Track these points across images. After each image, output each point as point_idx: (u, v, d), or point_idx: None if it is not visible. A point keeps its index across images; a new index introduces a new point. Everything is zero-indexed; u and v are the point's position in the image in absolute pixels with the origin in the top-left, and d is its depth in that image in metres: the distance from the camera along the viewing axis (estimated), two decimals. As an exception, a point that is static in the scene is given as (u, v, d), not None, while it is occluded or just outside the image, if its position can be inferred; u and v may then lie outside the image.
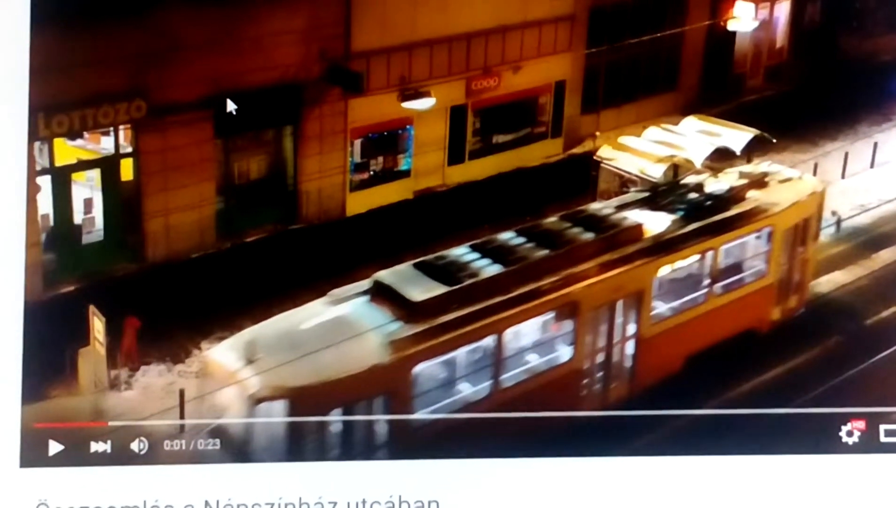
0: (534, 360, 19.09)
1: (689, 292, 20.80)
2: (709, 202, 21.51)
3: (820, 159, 28.54)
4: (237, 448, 16.25)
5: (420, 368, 17.56)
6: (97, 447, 16.10)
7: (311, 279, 21.75)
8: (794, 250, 22.47)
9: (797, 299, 22.73)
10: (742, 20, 29.71)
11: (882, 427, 17.92)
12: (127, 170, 21.61)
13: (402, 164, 25.16)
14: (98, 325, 17.94)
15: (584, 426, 18.50)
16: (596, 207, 21.51)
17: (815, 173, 27.56)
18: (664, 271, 20.34)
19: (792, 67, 32.32)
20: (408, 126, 24.91)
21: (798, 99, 30.27)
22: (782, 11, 32.18)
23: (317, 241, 23.15)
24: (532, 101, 27.03)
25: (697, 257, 20.74)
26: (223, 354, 17.27)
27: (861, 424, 17.79)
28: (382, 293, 18.36)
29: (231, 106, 21.93)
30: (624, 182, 24.56)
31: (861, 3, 32.83)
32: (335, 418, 16.57)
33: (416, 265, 19.07)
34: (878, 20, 33.02)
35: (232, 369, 16.81)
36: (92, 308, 17.97)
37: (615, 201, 22.06)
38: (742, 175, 22.78)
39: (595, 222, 20.36)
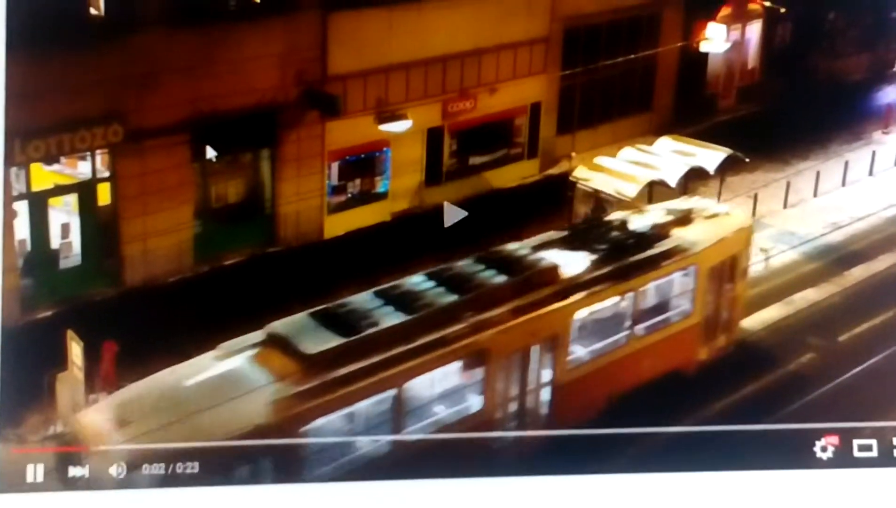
0: (441, 412, 18.22)
1: (609, 334, 20.20)
2: (630, 241, 21.01)
3: (792, 178, 28.84)
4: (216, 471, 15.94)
5: (312, 425, 16.50)
6: (75, 472, 16.03)
7: (289, 303, 21.85)
8: (720, 288, 21.96)
9: (726, 337, 22.27)
10: (714, 41, 29.95)
11: (855, 442, 18.08)
12: (104, 194, 21.51)
13: (380, 186, 25.20)
14: (76, 349, 17.83)
15: (561, 443, 18.56)
16: (512, 247, 20.83)
17: (787, 192, 27.96)
18: (582, 313, 19.74)
19: (764, 87, 32.55)
20: (385, 148, 24.95)
21: (770, 119, 30.41)
22: (754, 32, 32.47)
23: (295, 264, 23.13)
24: (508, 122, 27.16)
25: (617, 298, 20.21)
26: (95, 416, 16.41)
27: (835, 439, 17.93)
28: (275, 345, 17.58)
29: (209, 134, 21.93)
30: (599, 203, 24.66)
31: (831, 23, 33.19)
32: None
33: (313, 315, 18.24)
34: (848, 40, 33.39)
35: (103, 433, 15.94)
36: (69, 333, 17.89)
37: (534, 239, 21.46)
38: (668, 212, 22.30)
39: (509, 263, 19.73)
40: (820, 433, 17.63)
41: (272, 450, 15.89)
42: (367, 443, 17.04)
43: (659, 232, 21.29)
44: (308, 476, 16.39)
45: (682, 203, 23.22)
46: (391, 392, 17.40)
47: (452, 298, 18.74)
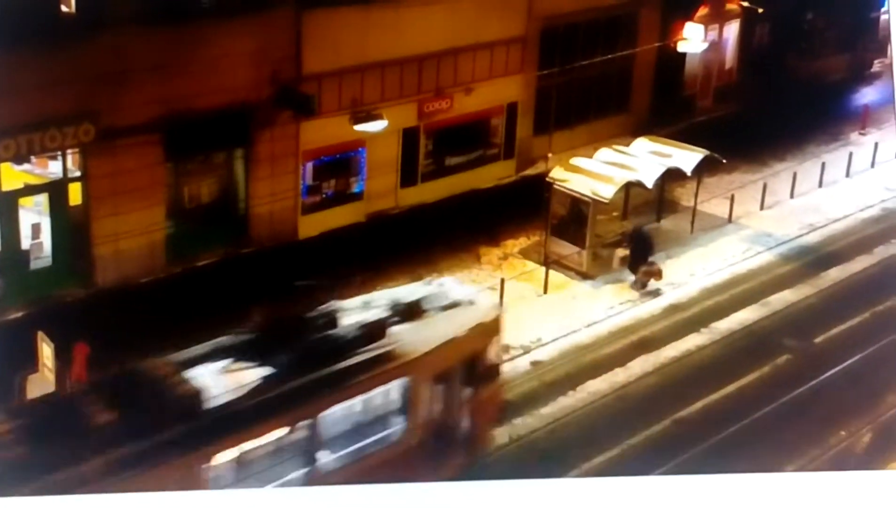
0: None
1: (281, 474, 15.93)
2: (327, 347, 16.51)
3: (769, 179, 29.19)
4: None
5: None
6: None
7: (262, 303, 21.88)
8: (455, 397, 17.61)
9: (468, 453, 18.22)
10: (692, 42, 30.29)
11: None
12: (75, 194, 21.56)
13: (355, 186, 25.35)
14: (46, 351, 17.71)
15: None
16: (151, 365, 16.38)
17: (763, 194, 28.19)
18: (230, 454, 15.39)
19: (741, 87, 32.92)
20: (360, 148, 25.10)
21: (747, 119, 30.87)
22: (731, 33, 32.83)
23: (268, 264, 23.13)
24: (484, 122, 27.41)
25: (287, 429, 15.81)
26: None
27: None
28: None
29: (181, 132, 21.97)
30: (576, 204, 24.76)
31: (809, 24, 33.56)
32: None
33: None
34: (826, 41, 33.84)
35: None
36: (40, 334, 17.74)
37: (186, 352, 16.61)
38: (392, 304, 17.80)
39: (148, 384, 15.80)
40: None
41: None
42: None
43: (370, 332, 16.74)
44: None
45: (419, 289, 18.97)
46: None
47: None
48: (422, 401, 16.99)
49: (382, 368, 16.45)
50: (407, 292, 18.65)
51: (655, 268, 24.22)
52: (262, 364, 15.92)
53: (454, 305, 18.17)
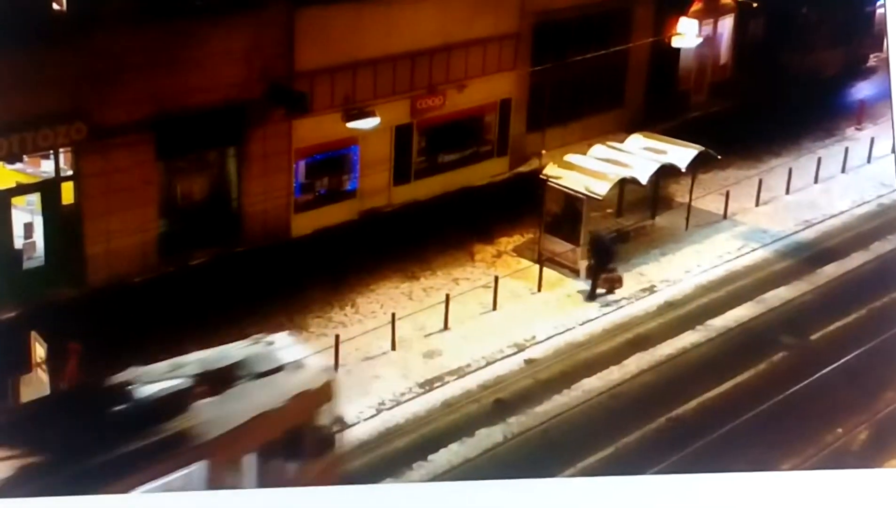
0: None
1: None
2: (111, 426, 14.48)
3: (764, 175, 29.30)
4: None
5: None
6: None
7: (256, 302, 22.07)
8: (272, 477, 15.71)
9: None
10: (686, 37, 30.43)
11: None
12: (68, 193, 21.68)
13: (348, 184, 25.49)
14: (40, 351, 17.93)
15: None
16: None
17: (759, 190, 28.36)
18: None
19: (736, 83, 33.05)
20: (353, 146, 25.23)
21: (742, 115, 31.04)
22: (726, 28, 32.96)
23: (262, 263, 23.29)
24: (477, 119, 27.56)
25: None
26: None
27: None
28: None
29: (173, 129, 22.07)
30: (570, 201, 24.81)
31: (804, 18, 33.65)
32: None
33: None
34: (821, 36, 33.91)
35: None
36: (33, 334, 17.95)
37: None
38: (202, 371, 15.83)
39: None
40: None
41: None
42: None
43: (169, 406, 14.66)
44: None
45: (240, 350, 16.76)
46: None
47: None
48: (224, 486, 14.89)
49: (177, 450, 14.29)
50: (224, 353, 16.47)
51: (616, 275, 24.03)
52: (32, 449, 13.75)
53: (277, 370, 16.14)
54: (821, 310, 23.65)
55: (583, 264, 24.33)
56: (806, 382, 20.87)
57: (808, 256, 26.08)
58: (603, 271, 23.95)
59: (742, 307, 23.63)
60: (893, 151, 19.98)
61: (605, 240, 24.41)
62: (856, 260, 25.80)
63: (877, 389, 20.45)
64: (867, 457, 19.12)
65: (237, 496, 15.37)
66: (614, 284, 23.92)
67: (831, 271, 25.32)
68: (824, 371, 21.22)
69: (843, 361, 21.50)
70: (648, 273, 24.82)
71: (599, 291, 23.81)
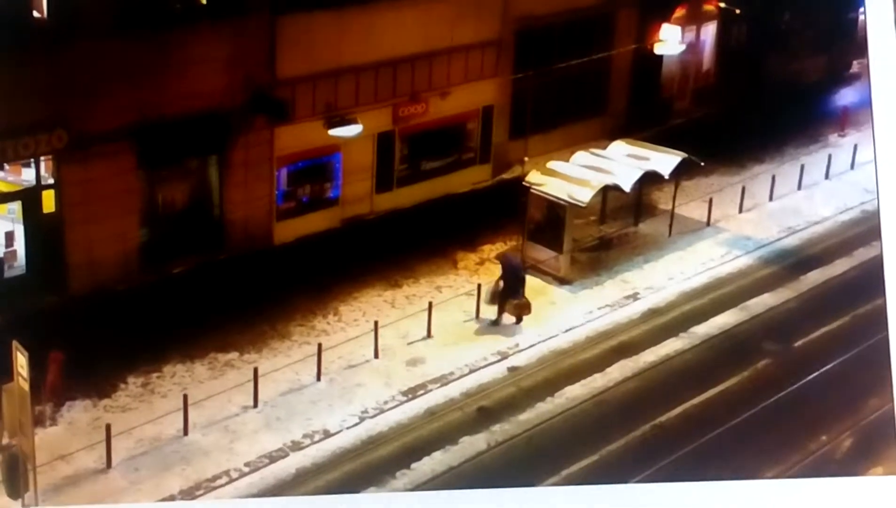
0: None
1: None
2: None
3: (748, 182, 29.60)
4: None
5: None
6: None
7: (238, 311, 22.34)
8: None
9: None
10: (669, 43, 30.72)
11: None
12: (49, 202, 21.90)
13: (330, 192, 25.75)
14: (21, 360, 17.77)
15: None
16: None
17: (742, 196, 28.58)
18: None
19: (719, 89, 33.29)
20: (335, 154, 25.51)
21: (726, 122, 31.27)
22: (709, 35, 33.18)
23: (244, 271, 23.55)
24: (460, 126, 27.84)
25: None
26: None
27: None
28: None
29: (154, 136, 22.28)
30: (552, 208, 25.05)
31: (787, 25, 33.85)
32: None
33: None
34: (804, 42, 34.13)
35: None
36: (15, 343, 17.81)
37: None
38: None
39: None
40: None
41: None
42: None
43: None
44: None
45: None
46: None
47: None
48: None
49: None
50: None
51: (525, 302, 23.53)
52: None
53: None
54: (805, 317, 23.91)
55: (515, 303, 23.38)
56: (790, 389, 21.18)
57: (792, 262, 26.32)
58: (512, 296, 23.40)
59: (726, 314, 23.89)
60: (875, 159, 20.13)
61: (514, 264, 24.10)
62: (840, 267, 26.02)
63: (861, 396, 20.55)
64: (851, 464, 19.36)
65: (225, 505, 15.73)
66: (523, 310, 23.35)
67: (815, 277, 25.56)
68: (808, 378, 21.52)
69: (827, 368, 21.75)
70: (632, 280, 25.11)
71: (496, 319, 23.36)
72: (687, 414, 20.51)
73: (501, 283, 23.56)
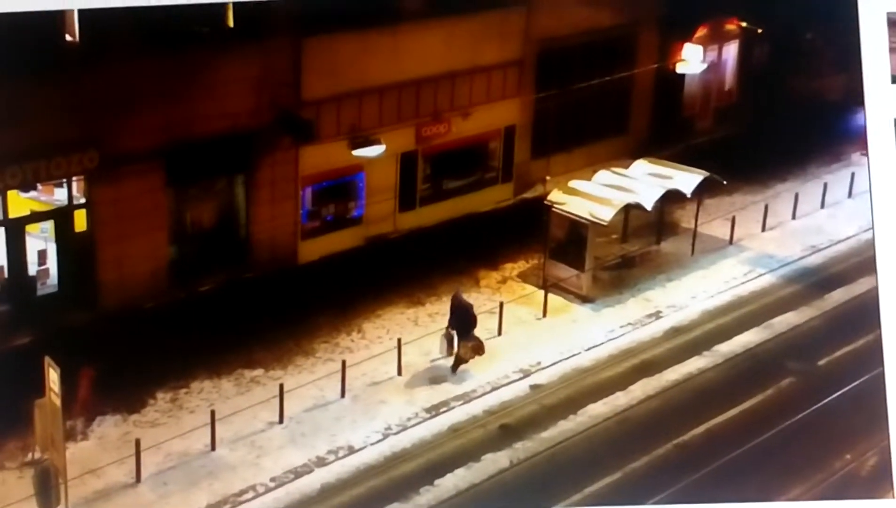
0: None
1: None
2: None
3: (770, 200, 29.80)
4: None
5: None
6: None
7: (264, 328, 22.93)
8: None
9: None
10: (690, 63, 31.23)
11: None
12: (81, 221, 22.64)
13: (354, 211, 26.40)
14: (53, 376, 18.35)
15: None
16: None
17: (765, 215, 28.72)
18: None
19: (741, 108, 33.68)
20: (359, 173, 26.17)
21: (748, 140, 31.68)
22: (730, 54, 33.65)
23: (270, 289, 24.13)
24: (482, 146, 28.45)
25: None
26: None
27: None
28: None
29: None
30: (574, 227, 25.45)
31: (808, 44, 34.08)
32: None
33: None
34: (825, 61, 34.26)
35: None
36: (47, 359, 18.39)
37: None
38: None
39: None
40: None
41: None
42: None
43: None
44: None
45: None
46: None
47: None
48: None
49: None
50: None
51: (478, 343, 22.86)
52: None
53: None
54: (828, 336, 24.07)
55: (470, 345, 22.74)
56: (814, 408, 21.36)
57: (816, 281, 26.53)
58: (465, 339, 22.86)
59: (749, 333, 24.14)
60: (870, 190, 19.86)
61: (464, 305, 23.37)
62: (863, 285, 25.24)
63: (886, 415, 19.98)
64: (876, 486, 19.25)
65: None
66: (477, 351, 22.77)
67: (839, 296, 25.69)
68: (832, 397, 21.67)
69: (851, 387, 21.75)
70: (654, 299, 25.46)
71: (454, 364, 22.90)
72: (710, 433, 20.77)
73: (453, 332, 22.96)
